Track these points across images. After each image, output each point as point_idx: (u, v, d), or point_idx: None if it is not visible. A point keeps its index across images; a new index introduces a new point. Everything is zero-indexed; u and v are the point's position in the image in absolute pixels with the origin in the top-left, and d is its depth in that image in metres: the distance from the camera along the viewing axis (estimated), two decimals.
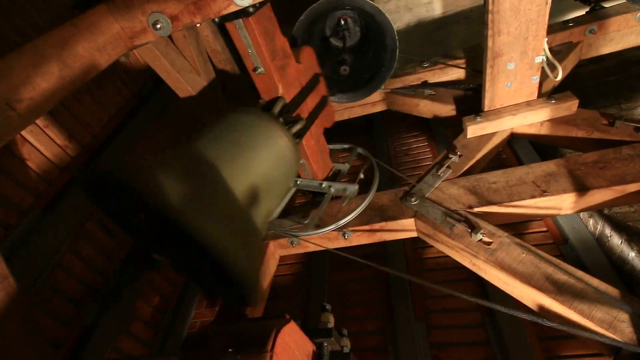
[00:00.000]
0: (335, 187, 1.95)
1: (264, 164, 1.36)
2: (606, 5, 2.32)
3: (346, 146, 2.33)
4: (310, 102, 1.80)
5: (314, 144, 1.91)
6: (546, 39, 1.71)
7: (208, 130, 1.35)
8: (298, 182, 2.02)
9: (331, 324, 1.08)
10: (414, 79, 2.58)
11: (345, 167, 2.10)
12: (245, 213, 1.20)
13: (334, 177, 2.11)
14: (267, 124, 1.45)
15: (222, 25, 2.07)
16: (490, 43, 1.72)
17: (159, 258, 1.19)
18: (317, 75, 1.83)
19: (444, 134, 3.73)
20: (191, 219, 0.89)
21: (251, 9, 1.35)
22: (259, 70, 1.55)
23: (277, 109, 1.60)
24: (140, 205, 1.04)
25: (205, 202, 1.02)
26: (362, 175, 2.06)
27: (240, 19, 1.37)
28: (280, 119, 1.57)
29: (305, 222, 2.01)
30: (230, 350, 0.76)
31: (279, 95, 1.63)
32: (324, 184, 2.00)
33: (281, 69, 1.57)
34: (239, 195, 1.18)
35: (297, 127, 1.65)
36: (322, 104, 1.87)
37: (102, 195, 1.06)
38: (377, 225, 1.87)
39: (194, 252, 0.98)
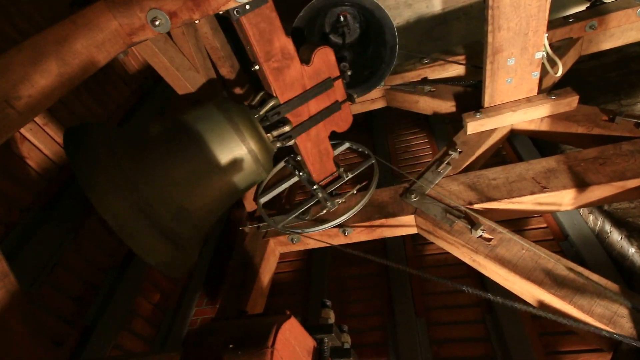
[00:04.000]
0: (321, 195, 2.02)
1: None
2: (606, 0, 2.31)
3: (346, 144, 2.33)
4: (314, 106, 1.77)
5: (312, 147, 1.90)
6: (546, 35, 1.71)
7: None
8: (300, 175, 2.14)
9: (332, 320, 1.08)
10: (413, 76, 2.57)
11: (346, 176, 2.11)
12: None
13: (335, 181, 2.11)
14: (217, 121, 1.54)
15: (221, 21, 2.07)
16: (490, 39, 1.71)
17: None
18: (331, 79, 1.77)
19: (444, 130, 3.73)
20: None
21: (247, 7, 1.35)
22: (255, 67, 1.56)
23: (263, 108, 1.64)
24: None
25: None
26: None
27: (236, 19, 1.37)
28: (265, 118, 1.66)
29: (306, 219, 2.01)
30: (231, 346, 0.76)
31: (273, 95, 1.64)
32: (316, 187, 2.03)
33: (277, 70, 1.57)
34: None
35: (283, 129, 1.70)
36: (331, 108, 1.84)
37: None
38: (377, 222, 1.87)
39: None
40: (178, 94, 1.98)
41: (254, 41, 1.45)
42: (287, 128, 1.70)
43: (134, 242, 1.29)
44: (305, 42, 2.10)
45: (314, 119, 1.81)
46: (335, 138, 2.22)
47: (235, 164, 1.55)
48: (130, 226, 1.28)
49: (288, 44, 1.55)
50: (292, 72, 1.62)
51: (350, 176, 2.11)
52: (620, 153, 1.61)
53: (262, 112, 1.64)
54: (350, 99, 1.91)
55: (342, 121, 1.95)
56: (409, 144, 3.86)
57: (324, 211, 1.99)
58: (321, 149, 1.95)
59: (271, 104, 1.64)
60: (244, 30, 1.42)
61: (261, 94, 1.70)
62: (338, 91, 1.84)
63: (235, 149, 1.54)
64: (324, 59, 1.72)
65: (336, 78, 1.79)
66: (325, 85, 1.76)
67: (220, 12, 1.33)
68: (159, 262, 1.36)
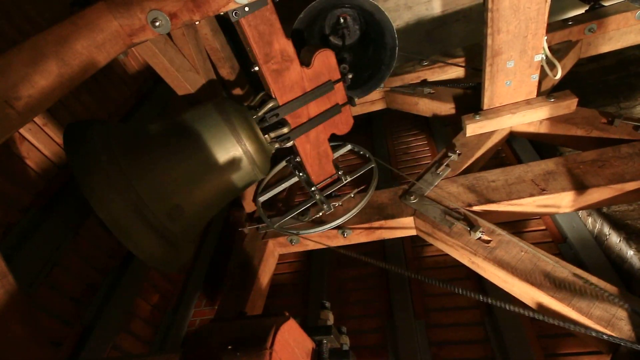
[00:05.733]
0: (319, 198, 2.02)
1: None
2: (606, 3, 2.32)
3: (348, 146, 2.33)
4: (314, 108, 1.77)
5: (311, 149, 1.90)
6: (545, 38, 1.71)
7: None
8: (300, 175, 2.15)
9: (330, 322, 1.08)
10: (413, 78, 2.58)
11: (345, 179, 2.10)
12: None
13: (333, 183, 2.12)
14: (215, 122, 1.56)
15: (221, 22, 2.07)
16: (489, 41, 1.72)
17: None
18: (331, 81, 1.76)
19: (443, 132, 3.73)
20: None
21: (247, 9, 1.35)
22: (255, 68, 1.56)
23: (262, 110, 1.65)
24: None
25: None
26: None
27: (235, 21, 1.37)
28: (264, 119, 1.67)
29: (305, 220, 2.01)
30: (229, 347, 0.76)
31: (272, 97, 1.64)
32: (313, 188, 2.03)
33: (276, 72, 1.57)
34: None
35: (282, 131, 1.70)
36: (331, 111, 1.84)
37: None
38: (376, 224, 1.88)
39: None
40: (178, 95, 1.98)
41: (253, 43, 1.46)
42: (285, 130, 1.71)
43: (127, 239, 1.31)
44: (305, 44, 2.10)
45: (313, 122, 1.81)
46: (335, 140, 2.22)
47: (231, 164, 1.56)
48: (124, 223, 1.30)
49: (288, 46, 1.55)
50: (291, 74, 1.62)
51: (349, 179, 2.11)
52: (619, 156, 1.62)
53: (260, 113, 1.65)
54: (350, 102, 1.91)
55: (342, 124, 1.95)
56: (408, 145, 3.87)
57: (321, 213, 2.00)
58: (320, 151, 1.96)
59: (270, 105, 1.64)
60: (244, 32, 1.43)
61: (261, 94, 1.71)
62: (339, 94, 1.83)
63: (231, 149, 1.55)
64: (325, 62, 1.72)
65: (337, 81, 1.79)
66: (325, 87, 1.76)
67: (221, 13, 1.33)
68: (151, 259, 1.37)
